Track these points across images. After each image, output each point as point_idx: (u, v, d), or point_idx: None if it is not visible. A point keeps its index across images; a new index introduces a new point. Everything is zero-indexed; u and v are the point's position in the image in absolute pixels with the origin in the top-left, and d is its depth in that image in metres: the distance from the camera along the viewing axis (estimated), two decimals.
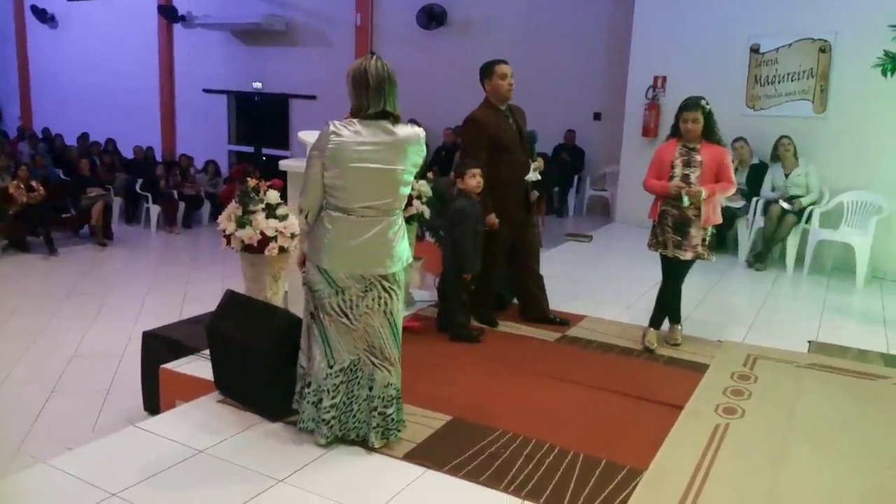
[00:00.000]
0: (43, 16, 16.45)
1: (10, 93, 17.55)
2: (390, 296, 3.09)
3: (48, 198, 9.53)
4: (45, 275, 8.39)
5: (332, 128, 2.96)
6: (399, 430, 3.21)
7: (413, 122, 3.09)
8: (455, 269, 4.56)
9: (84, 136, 14.12)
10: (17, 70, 17.38)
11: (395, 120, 3.02)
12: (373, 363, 3.12)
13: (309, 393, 3.17)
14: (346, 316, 3.06)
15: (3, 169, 9.85)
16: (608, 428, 3.51)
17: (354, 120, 2.98)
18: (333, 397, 3.10)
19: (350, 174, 2.95)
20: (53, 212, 9.76)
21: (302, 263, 3.20)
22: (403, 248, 3.13)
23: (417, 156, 3.08)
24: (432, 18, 11.95)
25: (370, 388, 3.13)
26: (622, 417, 3.63)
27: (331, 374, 3.10)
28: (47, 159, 12.15)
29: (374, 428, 3.13)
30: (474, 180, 4.52)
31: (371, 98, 2.97)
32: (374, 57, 3.04)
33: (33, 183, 9.45)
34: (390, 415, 3.15)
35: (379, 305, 3.07)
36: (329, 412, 3.11)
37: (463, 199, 4.54)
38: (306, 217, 3.11)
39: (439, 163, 10.82)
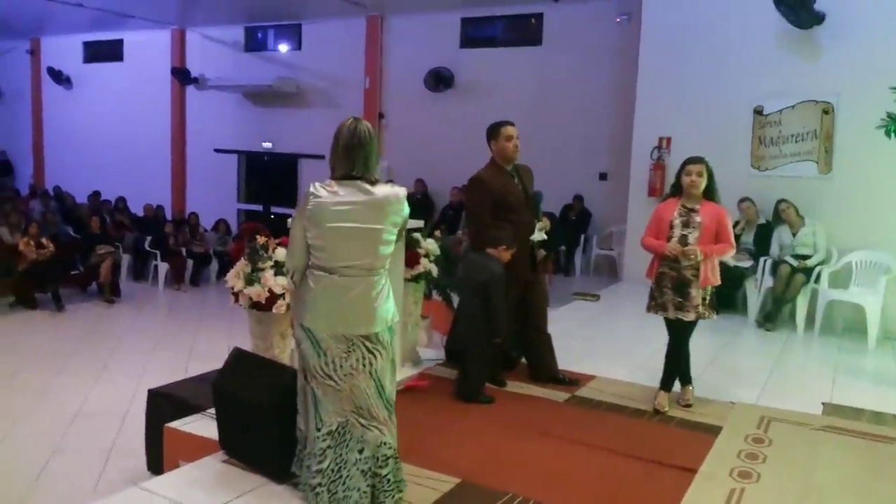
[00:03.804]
0: (59, 77, 16.89)
1: (23, 151, 17.90)
2: (374, 356, 3.01)
3: (57, 254, 9.60)
4: (52, 331, 8.38)
5: (311, 189, 2.98)
6: (399, 491, 3.11)
7: (390, 182, 3.09)
8: (484, 334, 4.49)
9: (96, 194, 14.32)
10: (31, 129, 17.77)
11: (372, 181, 3.00)
12: (361, 425, 3.03)
13: (305, 456, 3.11)
14: (331, 378, 2.99)
15: (14, 226, 9.97)
16: (621, 492, 3.43)
17: (332, 181, 3.00)
18: (320, 462, 2.99)
19: (329, 234, 2.94)
20: (62, 269, 9.82)
21: (292, 324, 3.16)
22: (387, 308, 3.05)
23: (397, 215, 3.02)
24: (440, 81, 12.18)
25: (360, 451, 3.02)
26: (635, 481, 3.55)
27: (318, 438, 3.01)
28: (58, 217, 12.29)
29: (378, 493, 3.03)
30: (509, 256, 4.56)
31: (339, 160, 3.00)
32: (352, 119, 3.04)
33: (43, 240, 9.54)
34: (385, 475, 3.04)
35: (364, 366, 3.00)
36: (315, 478, 2.99)
37: (493, 264, 4.52)
38: (292, 277, 3.10)
39: (446, 221, 10.88)
